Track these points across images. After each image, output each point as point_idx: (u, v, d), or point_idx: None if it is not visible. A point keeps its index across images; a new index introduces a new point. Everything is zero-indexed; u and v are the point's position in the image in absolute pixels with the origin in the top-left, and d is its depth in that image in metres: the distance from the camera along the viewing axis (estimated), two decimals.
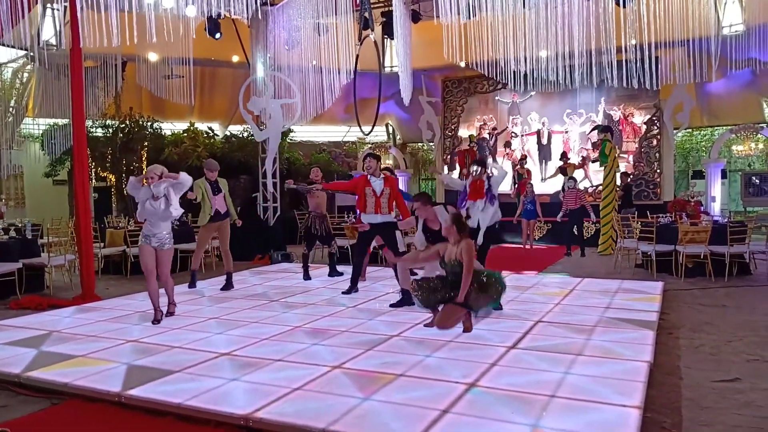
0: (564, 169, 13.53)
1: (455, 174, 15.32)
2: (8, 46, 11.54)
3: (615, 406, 3.57)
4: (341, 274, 8.66)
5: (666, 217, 9.41)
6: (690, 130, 15.36)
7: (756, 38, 10.71)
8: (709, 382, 4.18)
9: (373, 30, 10.24)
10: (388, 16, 11.67)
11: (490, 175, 6.83)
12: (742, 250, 8.38)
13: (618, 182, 12.41)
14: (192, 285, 8.10)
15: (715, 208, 13.78)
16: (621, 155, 14.47)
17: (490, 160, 14.52)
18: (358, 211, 7.60)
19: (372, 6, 10.74)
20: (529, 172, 13.89)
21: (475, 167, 6.83)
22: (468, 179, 6.92)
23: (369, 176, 7.22)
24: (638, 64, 9.16)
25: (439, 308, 5.18)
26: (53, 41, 12.86)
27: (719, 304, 6.83)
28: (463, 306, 5.05)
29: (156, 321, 6.02)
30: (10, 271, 7.80)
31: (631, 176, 13.82)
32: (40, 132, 14.81)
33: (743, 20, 12.24)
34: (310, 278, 8.57)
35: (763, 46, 10.54)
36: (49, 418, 3.83)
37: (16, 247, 8.30)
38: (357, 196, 7.34)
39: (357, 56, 9.95)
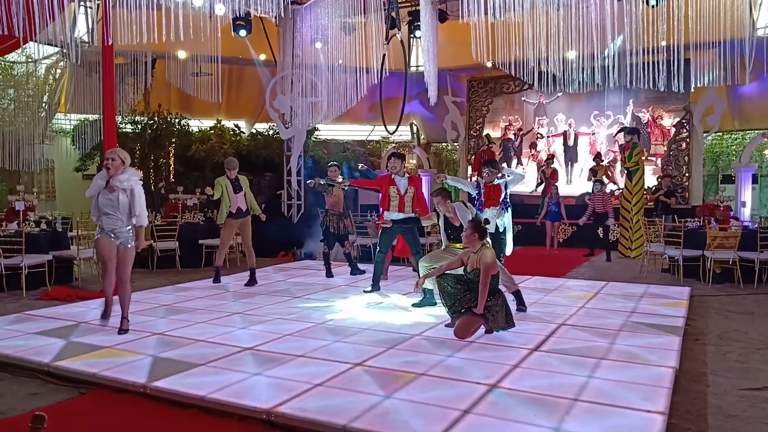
0: (595, 171, 13.38)
1: (475, 177, 15.26)
2: (43, 43, 11.79)
3: (639, 411, 3.53)
4: (363, 272, 8.68)
5: (694, 221, 9.25)
6: (720, 133, 15.05)
7: None
8: (737, 390, 4.11)
9: (399, 29, 10.22)
10: (414, 15, 11.67)
11: (505, 175, 6.72)
12: None
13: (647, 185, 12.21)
14: (216, 280, 8.20)
15: (745, 213, 13.48)
16: (649, 158, 14.25)
17: (504, 164, 14.40)
18: (381, 209, 7.62)
19: (399, 5, 10.74)
20: (554, 171, 13.72)
21: (486, 169, 6.70)
22: (480, 182, 6.83)
23: (393, 175, 7.24)
24: (668, 66, 9.03)
25: (462, 312, 5.19)
26: (86, 38, 13.11)
27: (748, 311, 6.69)
28: (482, 317, 5.06)
29: (106, 317, 5.49)
30: (41, 262, 7.98)
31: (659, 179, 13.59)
32: (71, 127, 15.09)
33: None
34: (332, 275, 8.62)
35: None
36: (77, 406, 3.91)
37: (46, 239, 8.50)
38: (381, 195, 7.37)
39: (384, 55, 9.95)
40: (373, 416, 3.47)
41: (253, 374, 4.22)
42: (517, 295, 6.25)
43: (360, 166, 9.04)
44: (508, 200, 6.67)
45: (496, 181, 6.63)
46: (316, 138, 16.22)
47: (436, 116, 16.81)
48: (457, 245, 6.11)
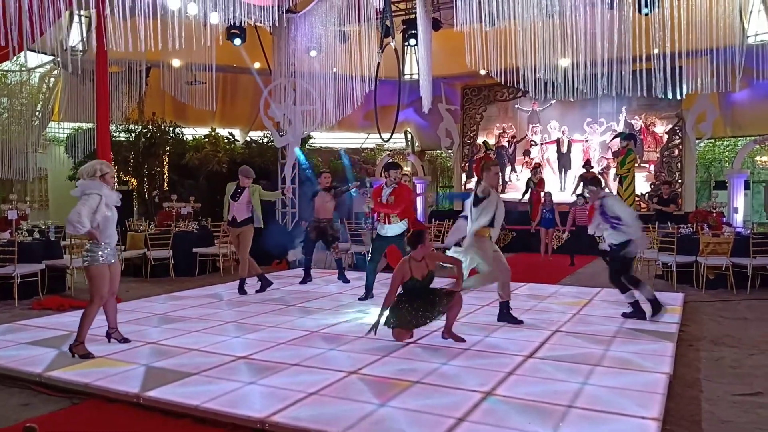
0: (585, 179, 13.39)
1: (472, 183, 15.31)
2: (37, 51, 11.79)
3: (633, 417, 3.53)
4: (347, 281, 8.66)
5: (687, 227, 9.29)
6: (712, 140, 15.17)
7: None
8: (730, 396, 4.12)
9: (393, 37, 10.27)
10: (408, 24, 11.73)
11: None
12: (765, 262, 8.23)
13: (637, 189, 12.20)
14: (264, 287, 8.04)
15: (738, 219, 13.56)
16: (642, 165, 14.33)
17: None
18: (375, 217, 7.63)
19: (393, 14, 10.79)
20: (541, 180, 13.73)
21: (588, 188, 6.45)
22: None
23: (384, 186, 7.26)
24: (661, 74, 9.09)
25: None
26: (80, 47, 13.12)
27: (741, 317, 6.72)
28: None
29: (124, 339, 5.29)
30: (33, 272, 7.94)
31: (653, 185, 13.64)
32: (65, 136, 15.08)
33: None
34: (304, 282, 8.68)
35: None
36: (69, 417, 3.88)
37: (39, 248, 8.46)
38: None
39: (378, 63, 9.99)
40: (367, 425, 3.46)
41: (247, 383, 4.20)
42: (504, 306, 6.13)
43: (353, 185, 9.08)
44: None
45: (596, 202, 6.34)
46: (310, 146, 16.25)
47: (431, 124, 16.87)
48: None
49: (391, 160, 9.50)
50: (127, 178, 14.94)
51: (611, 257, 6.37)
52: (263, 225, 8.21)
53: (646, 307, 6.19)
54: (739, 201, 13.96)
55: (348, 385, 4.14)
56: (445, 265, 5.87)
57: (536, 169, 14.07)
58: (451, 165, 17.79)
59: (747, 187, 14.54)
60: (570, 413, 3.60)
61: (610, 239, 6.26)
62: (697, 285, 8.50)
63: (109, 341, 5.34)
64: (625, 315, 6.34)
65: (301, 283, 8.71)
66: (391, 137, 11.26)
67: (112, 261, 5.11)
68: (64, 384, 4.32)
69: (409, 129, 18.03)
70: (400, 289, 5.25)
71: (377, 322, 5.14)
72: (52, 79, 13.71)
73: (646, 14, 9.00)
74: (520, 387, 4.09)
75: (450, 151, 17.32)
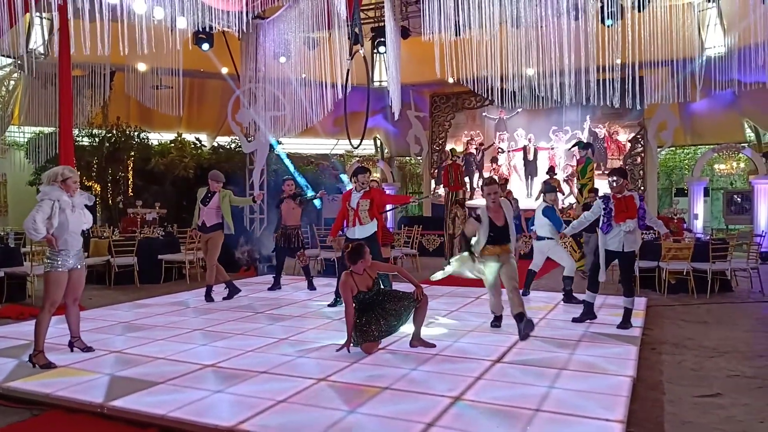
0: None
1: (440, 191, 15.44)
2: None
3: (598, 420, 3.60)
4: (314, 288, 8.65)
5: (649, 233, 9.51)
6: (673, 148, 15.61)
7: (737, 60, 10.95)
8: (691, 397, 4.23)
9: (362, 45, 10.32)
10: (377, 31, 11.79)
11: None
12: (724, 267, 8.49)
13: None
14: (231, 294, 7.99)
15: (698, 225, 13.97)
16: (605, 173, 14.63)
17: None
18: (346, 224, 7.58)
19: (362, 21, 10.85)
20: (509, 192, 13.84)
21: (612, 179, 6.11)
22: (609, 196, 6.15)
23: (353, 191, 7.22)
24: (623, 83, 9.33)
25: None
26: (41, 50, 12.82)
27: (701, 321, 6.91)
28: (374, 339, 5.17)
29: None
30: None
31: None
32: (25, 140, 14.71)
33: (725, 43, 12.53)
34: (273, 288, 8.66)
35: (744, 67, 10.77)
36: (29, 429, 3.77)
37: None
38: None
39: (348, 70, 10.02)
40: (337, 431, 3.45)
41: (215, 391, 4.14)
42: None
43: (320, 192, 9.07)
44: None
45: (627, 193, 6.05)
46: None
47: (400, 131, 16.99)
48: (496, 248, 5.94)
49: (359, 165, 9.50)
50: (91, 183, 14.63)
51: (629, 262, 6.31)
52: (233, 231, 8.11)
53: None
54: (699, 207, 14.39)
55: (317, 392, 4.12)
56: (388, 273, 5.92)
57: (505, 183, 14.12)
58: (420, 171, 17.91)
59: (706, 194, 15.02)
60: (537, 417, 3.65)
61: (632, 244, 6.17)
62: (659, 290, 8.70)
63: (72, 350, 5.22)
64: (575, 320, 6.50)
65: (269, 289, 8.67)
66: (360, 143, 11.30)
67: (77, 267, 5.02)
68: (23, 395, 4.20)
69: (378, 135, 18.10)
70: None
71: (348, 342, 5.12)
72: (12, 82, 13.37)
73: (610, 26, 9.24)
74: (488, 391, 4.13)
75: (419, 158, 17.44)
